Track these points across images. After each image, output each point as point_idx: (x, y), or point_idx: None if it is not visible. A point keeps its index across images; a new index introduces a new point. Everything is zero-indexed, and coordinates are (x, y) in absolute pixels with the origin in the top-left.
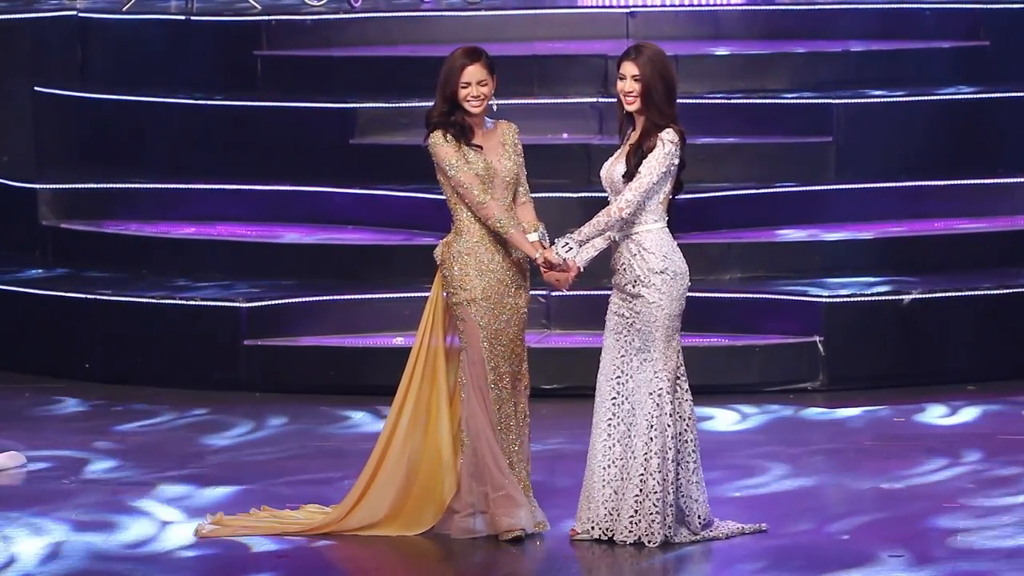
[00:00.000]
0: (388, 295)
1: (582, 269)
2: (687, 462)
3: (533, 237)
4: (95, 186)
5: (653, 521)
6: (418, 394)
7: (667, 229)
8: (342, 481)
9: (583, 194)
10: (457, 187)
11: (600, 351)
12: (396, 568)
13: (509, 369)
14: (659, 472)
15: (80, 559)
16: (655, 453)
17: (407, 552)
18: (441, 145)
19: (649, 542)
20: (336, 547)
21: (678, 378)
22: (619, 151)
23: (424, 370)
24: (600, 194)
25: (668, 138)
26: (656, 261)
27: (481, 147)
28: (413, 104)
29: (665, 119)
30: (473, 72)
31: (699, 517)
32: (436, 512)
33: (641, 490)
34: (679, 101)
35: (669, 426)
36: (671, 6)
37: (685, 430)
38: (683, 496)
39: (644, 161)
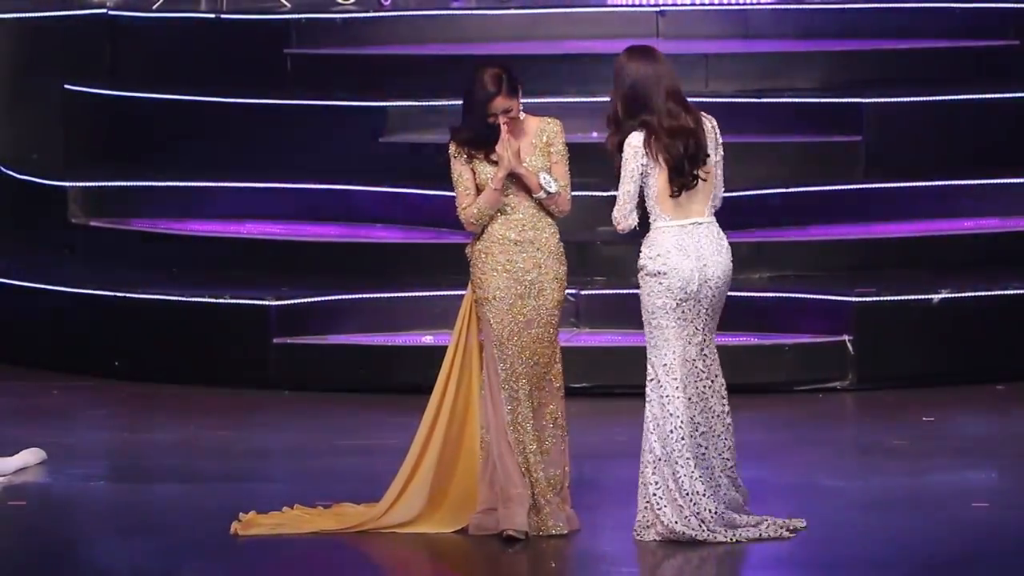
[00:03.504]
0: (417, 293)
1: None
2: (687, 459)
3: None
4: (124, 184)
5: (643, 516)
6: (455, 392)
7: (669, 229)
8: (373, 479)
9: (612, 192)
10: None
11: (630, 349)
12: (428, 566)
13: (526, 371)
14: (646, 467)
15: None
16: (644, 449)
17: (439, 550)
18: (452, 156)
19: (639, 536)
20: (369, 544)
21: (680, 381)
22: None
23: (461, 368)
24: None
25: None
26: (641, 259)
27: (495, 161)
28: (443, 103)
29: None
30: (498, 104)
31: (711, 513)
32: (473, 510)
33: (640, 483)
34: (709, 100)
35: (653, 420)
36: (701, 5)
37: (679, 427)
38: (686, 494)
39: None
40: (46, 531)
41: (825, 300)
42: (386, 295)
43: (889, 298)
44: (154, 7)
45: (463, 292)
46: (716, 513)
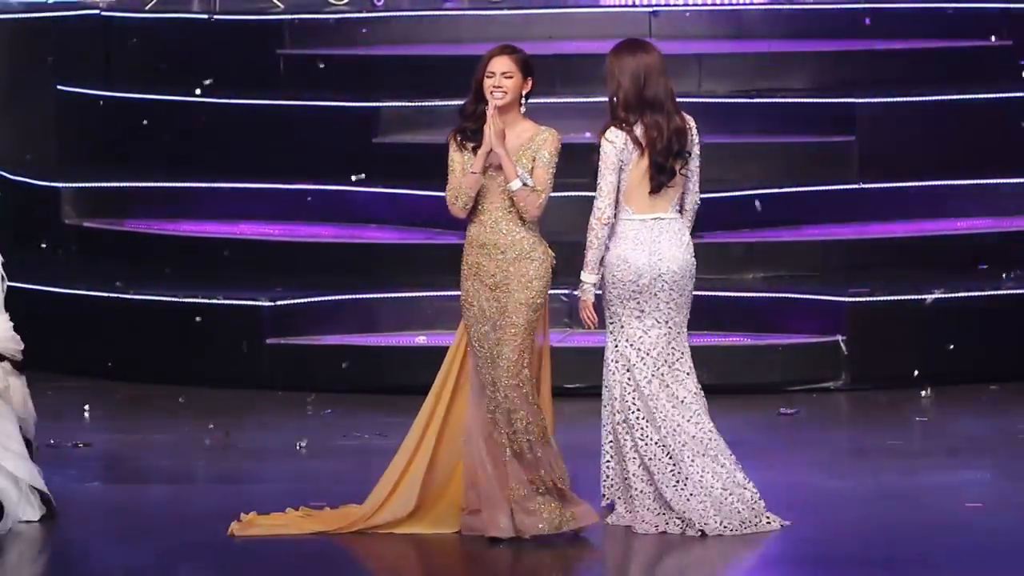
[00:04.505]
0: (411, 294)
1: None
2: (632, 447)
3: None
4: (118, 185)
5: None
6: (452, 393)
7: (630, 223)
8: (367, 480)
9: None
10: None
11: None
12: (423, 565)
13: (490, 376)
14: (603, 445)
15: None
16: (603, 437)
17: (434, 550)
18: (450, 145)
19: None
20: (365, 544)
21: (628, 369)
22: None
23: (460, 369)
24: None
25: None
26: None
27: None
28: (436, 103)
29: None
30: (498, 63)
31: (653, 493)
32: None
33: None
34: (703, 101)
35: (607, 407)
36: (694, 5)
37: (629, 418)
38: (628, 476)
39: None
40: (40, 532)
41: (818, 300)
42: (379, 295)
43: (882, 298)
44: (147, 7)
45: (457, 292)
46: (656, 496)
